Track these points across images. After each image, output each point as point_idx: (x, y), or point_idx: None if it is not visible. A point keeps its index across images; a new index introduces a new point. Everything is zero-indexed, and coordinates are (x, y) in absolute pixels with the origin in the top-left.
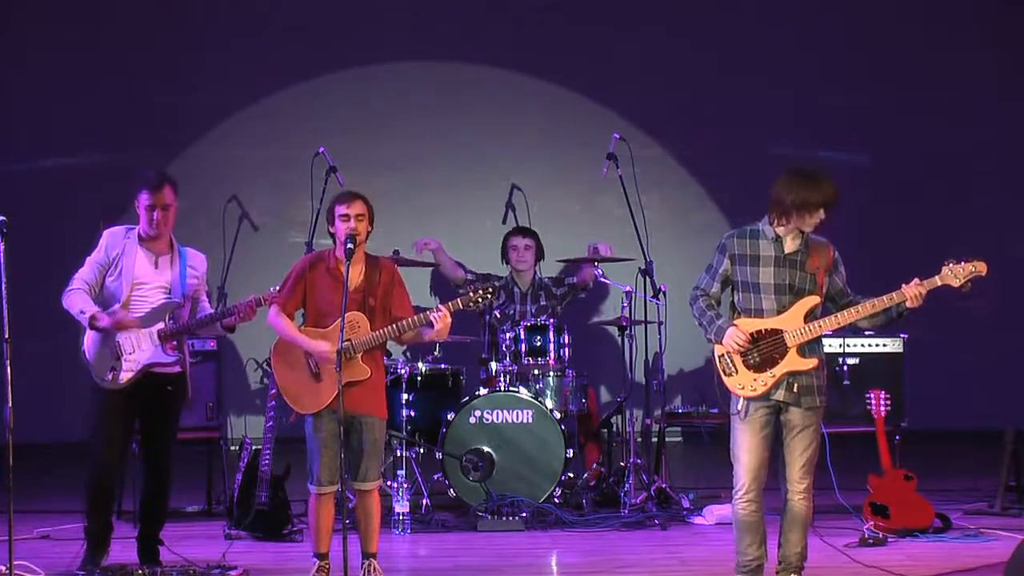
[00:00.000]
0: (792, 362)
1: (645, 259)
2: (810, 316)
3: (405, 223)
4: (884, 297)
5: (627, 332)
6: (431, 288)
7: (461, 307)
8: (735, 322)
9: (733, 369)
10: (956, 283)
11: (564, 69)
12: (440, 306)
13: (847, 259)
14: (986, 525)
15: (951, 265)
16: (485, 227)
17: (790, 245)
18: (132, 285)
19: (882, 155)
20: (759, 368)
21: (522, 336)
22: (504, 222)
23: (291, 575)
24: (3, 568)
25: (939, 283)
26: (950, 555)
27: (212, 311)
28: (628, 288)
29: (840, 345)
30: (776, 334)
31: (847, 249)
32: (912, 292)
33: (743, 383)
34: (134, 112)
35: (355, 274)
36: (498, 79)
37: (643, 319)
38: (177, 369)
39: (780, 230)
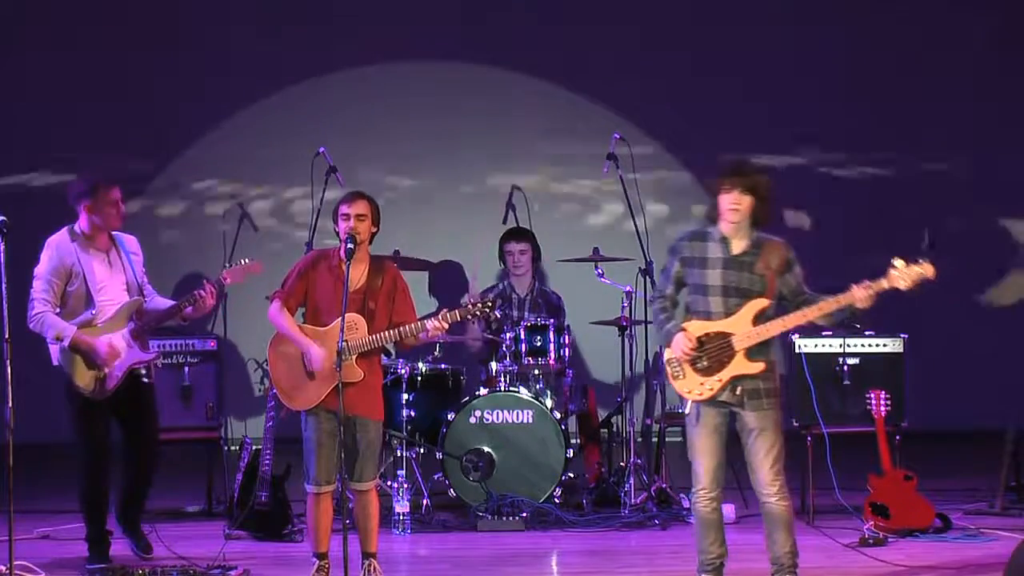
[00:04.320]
0: (739, 366)
1: (645, 259)
2: (760, 319)
3: (405, 223)
4: (832, 300)
5: (627, 332)
6: (429, 288)
7: (459, 319)
8: (684, 326)
9: (681, 373)
10: (903, 286)
11: (564, 69)
12: (442, 313)
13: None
14: (986, 525)
15: (900, 267)
16: (485, 227)
17: (737, 246)
18: (99, 291)
19: (886, 158)
20: (707, 372)
21: (522, 336)
22: (504, 222)
23: (291, 575)
24: (3, 568)
25: (886, 286)
26: (950, 555)
27: (168, 302)
28: (628, 288)
29: (840, 345)
30: (724, 337)
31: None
32: (860, 295)
33: (690, 387)
34: (134, 112)
35: (357, 275)
36: (498, 79)
37: (643, 319)
38: (151, 357)
39: (727, 231)
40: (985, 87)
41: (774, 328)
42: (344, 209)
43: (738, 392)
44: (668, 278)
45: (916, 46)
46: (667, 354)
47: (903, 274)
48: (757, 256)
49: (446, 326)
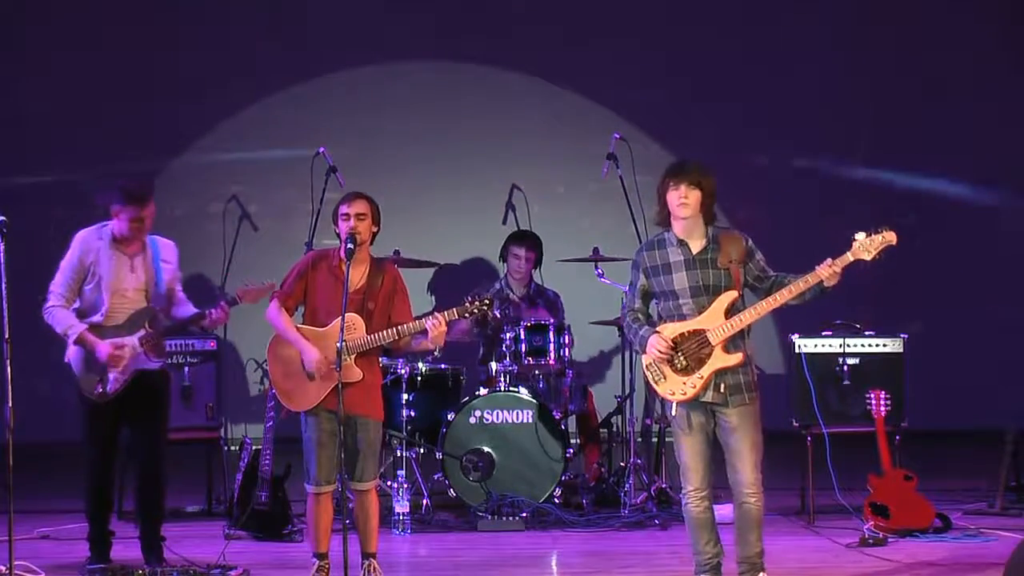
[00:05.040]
0: (719, 360)
1: None
2: (730, 311)
3: (405, 223)
4: (800, 281)
5: None
6: (429, 288)
7: (456, 317)
8: (656, 329)
9: (661, 376)
10: (868, 257)
11: (564, 69)
12: (436, 314)
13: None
14: (986, 525)
15: (861, 239)
16: (485, 227)
17: (696, 245)
18: (112, 293)
19: (886, 158)
20: (687, 371)
21: (522, 336)
22: (504, 222)
23: (291, 575)
24: (3, 568)
25: (851, 259)
26: (950, 555)
27: (191, 311)
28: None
29: (840, 345)
30: (699, 334)
31: None
32: (826, 272)
33: (673, 388)
34: (134, 112)
35: (357, 275)
36: (498, 79)
37: None
38: (159, 366)
39: (682, 233)
40: (986, 86)
41: (748, 318)
42: (344, 209)
43: (722, 390)
44: (635, 293)
45: (917, 46)
46: (645, 360)
47: (865, 245)
48: (717, 251)
49: (444, 326)
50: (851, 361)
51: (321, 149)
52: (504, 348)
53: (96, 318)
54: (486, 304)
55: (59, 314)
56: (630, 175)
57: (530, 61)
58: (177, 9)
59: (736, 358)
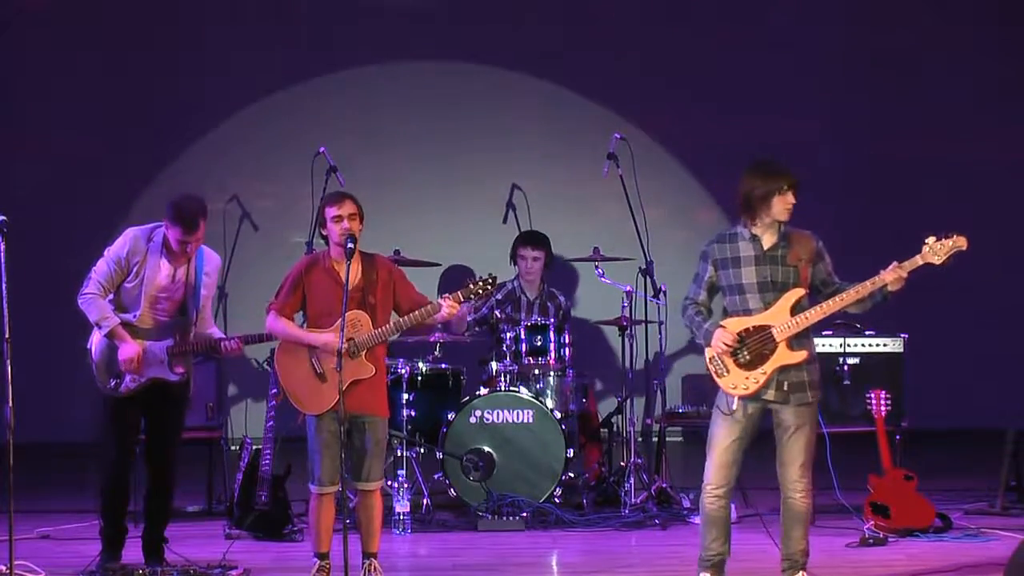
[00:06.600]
0: (783, 356)
1: (645, 259)
2: (796, 309)
3: (405, 223)
4: (866, 283)
5: (627, 332)
6: (440, 288)
7: (462, 299)
8: (721, 323)
9: (724, 370)
10: (938, 261)
11: (564, 69)
12: (448, 295)
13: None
14: (986, 525)
15: (931, 242)
16: (485, 227)
17: (768, 241)
18: (148, 297)
19: (887, 157)
20: (750, 366)
21: (523, 336)
22: (504, 222)
23: (291, 575)
24: (3, 568)
25: (920, 262)
26: (950, 555)
27: (218, 334)
28: (628, 288)
29: (840, 345)
30: (764, 330)
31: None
32: (891, 276)
33: (735, 383)
34: (135, 112)
35: (352, 273)
36: (498, 79)
37: (643, 319)
38: (179, 378)
39: (757, 229)
40: (987, 81)
41: (814, 316)
42: (335, 211)
43: (785, 388)
44: (700, 284)
45: (918, 31)
46: (708, 352)
47: (935, 249)
48: (787, 248)
49: (458, 305)
50: (851, 361)
51: (321, 149)
52: (504, 348)
53: (129, 317)
54: (489, 284)
55: (96, 303)
56: (630, 175)
57: (530, 61)
58: (178, 9)
59: (800, 355)
